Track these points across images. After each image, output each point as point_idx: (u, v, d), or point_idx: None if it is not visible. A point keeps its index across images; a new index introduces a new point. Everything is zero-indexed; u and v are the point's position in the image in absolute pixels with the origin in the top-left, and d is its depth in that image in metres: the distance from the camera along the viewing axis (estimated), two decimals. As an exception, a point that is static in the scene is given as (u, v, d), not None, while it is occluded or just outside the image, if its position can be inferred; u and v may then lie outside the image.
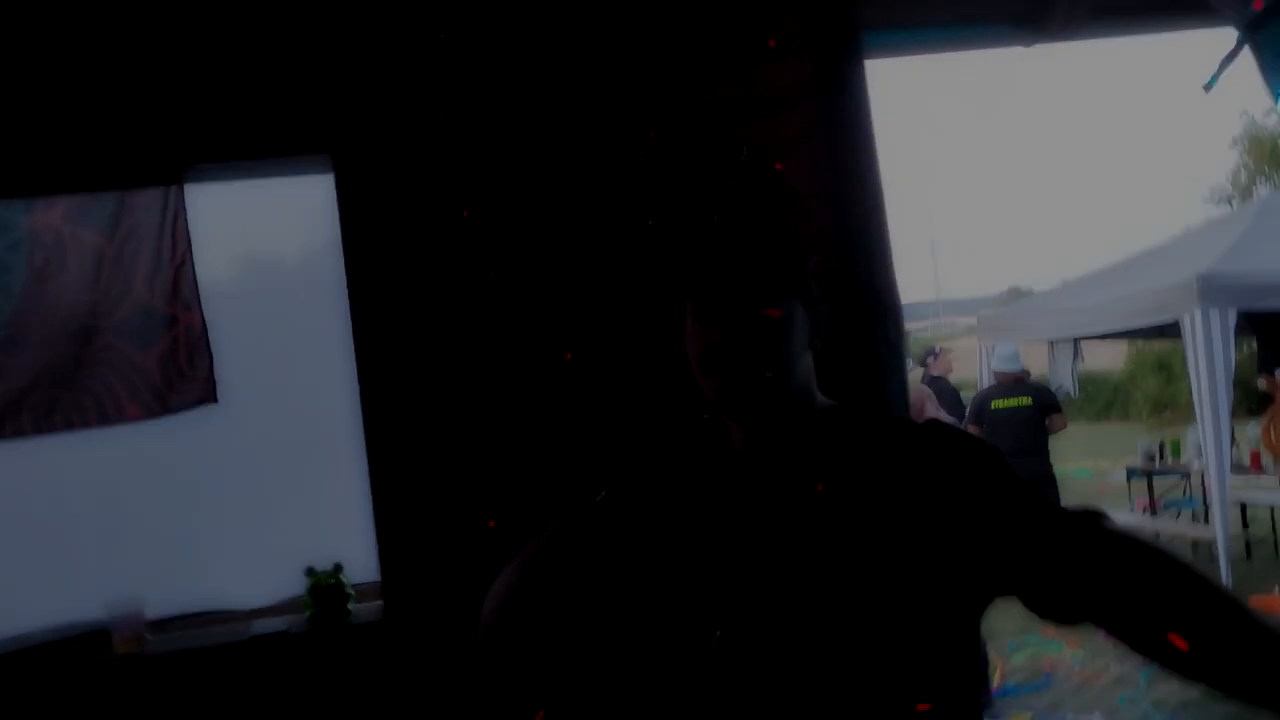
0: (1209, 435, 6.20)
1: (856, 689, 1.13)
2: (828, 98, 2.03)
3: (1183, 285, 6.25)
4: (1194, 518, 8.40)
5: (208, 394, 2.91)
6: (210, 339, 2.90)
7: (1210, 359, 6.09)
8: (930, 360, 9.00)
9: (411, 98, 2.65)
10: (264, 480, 2.92)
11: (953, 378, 9.11)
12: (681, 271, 1.24)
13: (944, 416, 5.66)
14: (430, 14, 2.64)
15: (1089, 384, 24.21)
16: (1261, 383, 7.52)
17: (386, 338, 2.66)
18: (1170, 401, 20.29)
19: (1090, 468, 13.70)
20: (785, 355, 1.19)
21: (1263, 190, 20.40)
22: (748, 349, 1.17)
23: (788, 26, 2.02)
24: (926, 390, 5.99)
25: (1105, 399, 24.05)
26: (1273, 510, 7.42)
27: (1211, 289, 6.05)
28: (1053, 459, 8.38)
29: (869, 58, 2.71)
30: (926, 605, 1.16)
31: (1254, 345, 8.84)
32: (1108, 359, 21.39)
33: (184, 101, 2.66)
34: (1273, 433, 7.12)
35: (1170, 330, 7.15)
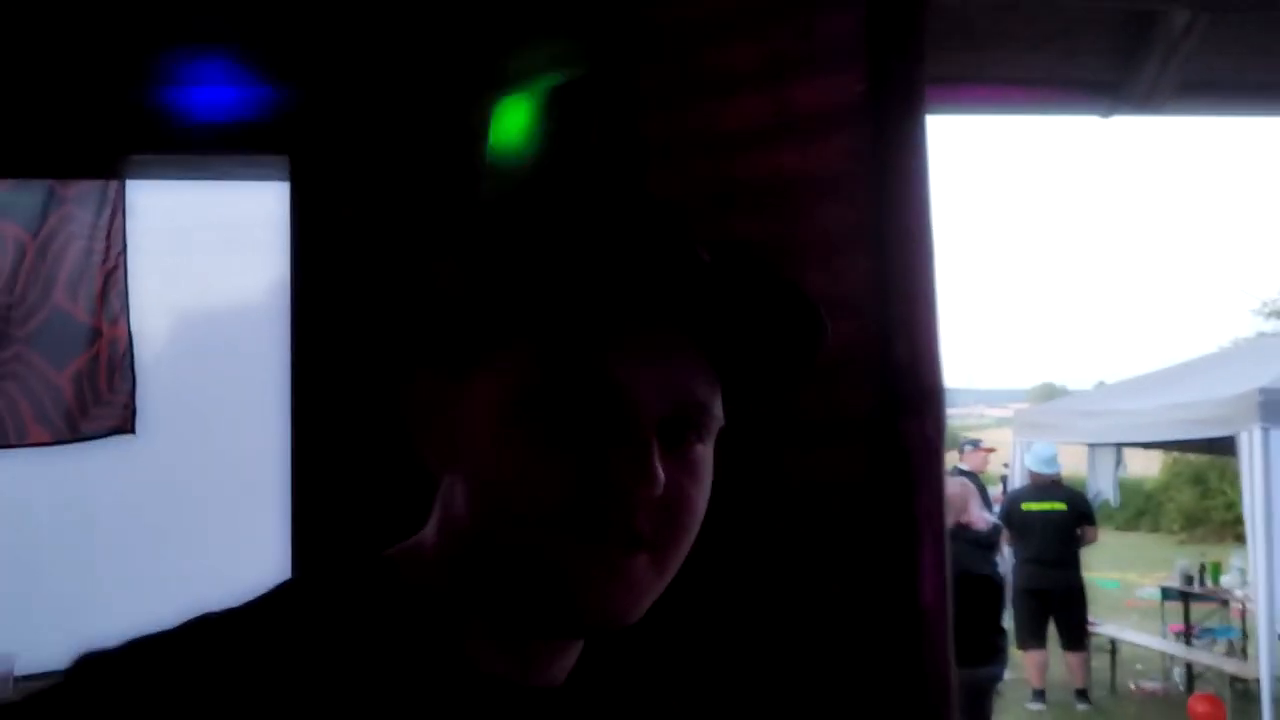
0: (1259, 561, 5.69)
1: None
2: (882, 123, 1.61)
3: (1243, 398, 5.79)
4: (1230, 648, 7.85)
5: (125, 423, 2.52)
6: (136, 360, 2.52)
7: (1267, 479, 5.61)
8: (967, 450, 8.54)
9: (385, 103, 2.29)
10: (177, 522, 2.52)
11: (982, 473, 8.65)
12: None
13: (979, 518, 5.18)
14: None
15: (1125, 491, 23.53)
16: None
17: (329, 367, 2.26)
18: (1204, 518, 19.72)
19: (1118, 579, 13.14)
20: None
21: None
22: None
23: (834, 26, 1.61)
24: (969, 485, 5.53)
25: (1136, 508, 23.38)
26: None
27: (1275, 404, 5.57)
28: (1086, 570, 7.90)
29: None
30: None
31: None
32: (1140, 466, 20.81)
33: (129, 83, 2.31)
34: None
35: (1219, 445, 6.68)
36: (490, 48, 2.14)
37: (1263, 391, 5.67)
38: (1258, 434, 5.64)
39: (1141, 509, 22.91)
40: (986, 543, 5.08)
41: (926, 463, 1.63)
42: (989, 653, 4.86)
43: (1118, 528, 22.89)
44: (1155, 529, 21.69)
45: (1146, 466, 21.32)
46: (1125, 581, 12.79)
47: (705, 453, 0.64)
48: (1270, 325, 18.26)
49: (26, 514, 2.48)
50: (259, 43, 2.33)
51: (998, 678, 5.33)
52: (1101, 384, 9.40)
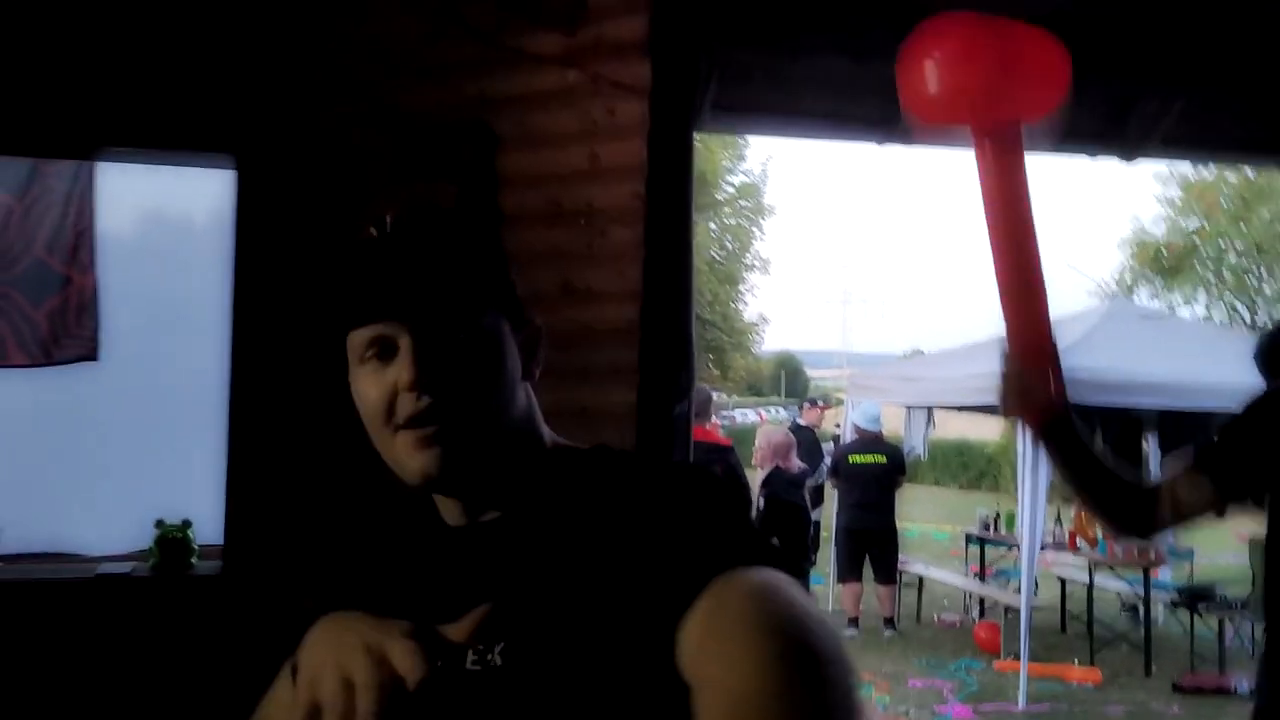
0: (1025, 512, 6.79)
1: None
2: (656, 174, 2.45)
3: (1022, 372, 6.85)
4: (1019, 588, 9.05)
5: (90, 351, 3.18)
6: (100, 302, 3.18)
7: (1037, 445, 6.68)
8: (806, 407, 9.58)
9: (321, 107, 2.97)
10: (128, 438, 3.19)
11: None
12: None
13: (795, 464, 6.14)
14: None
15: (965, 452, 25.32)
16: (1081, 470, 8.16)
17: (262, 328, 2.95)
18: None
19: (949, 531, 14.46)
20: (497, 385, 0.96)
21: (1143, 290, 21.74)
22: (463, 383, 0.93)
23: (628, 109, 2.43)
24: (790, 436, 6.49)
25: (979, 469, 25.15)
26: (1089, 588, 8.09)
27: (1045, 379, 6.65)
28: (901, 519, 9.01)
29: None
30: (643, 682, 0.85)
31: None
32: (986, 429, 22.44)
33: (102, 86, 2.93)
34: (1083, 516, 7.80)
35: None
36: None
37: (1036, 367, 6.74)
38: (1031, 402, 6.71)
39: (984, 470, 24.75)
40: (798, 482, 6.05)
41: (681, 421, 2.48)
42: (794, 574, 5.85)
43: (962, 486, 24.71)
44: (996, 489, 23.41)
45: (990, 430, 23.02)
46: (954, 533, 14.01)
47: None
48: (1102, 304, 19.95)
49: (7, 421, 3.12)
50: (214, 51, 2.98)
51: (802, 596, 6.35)
52: (924, 353, 10.47)
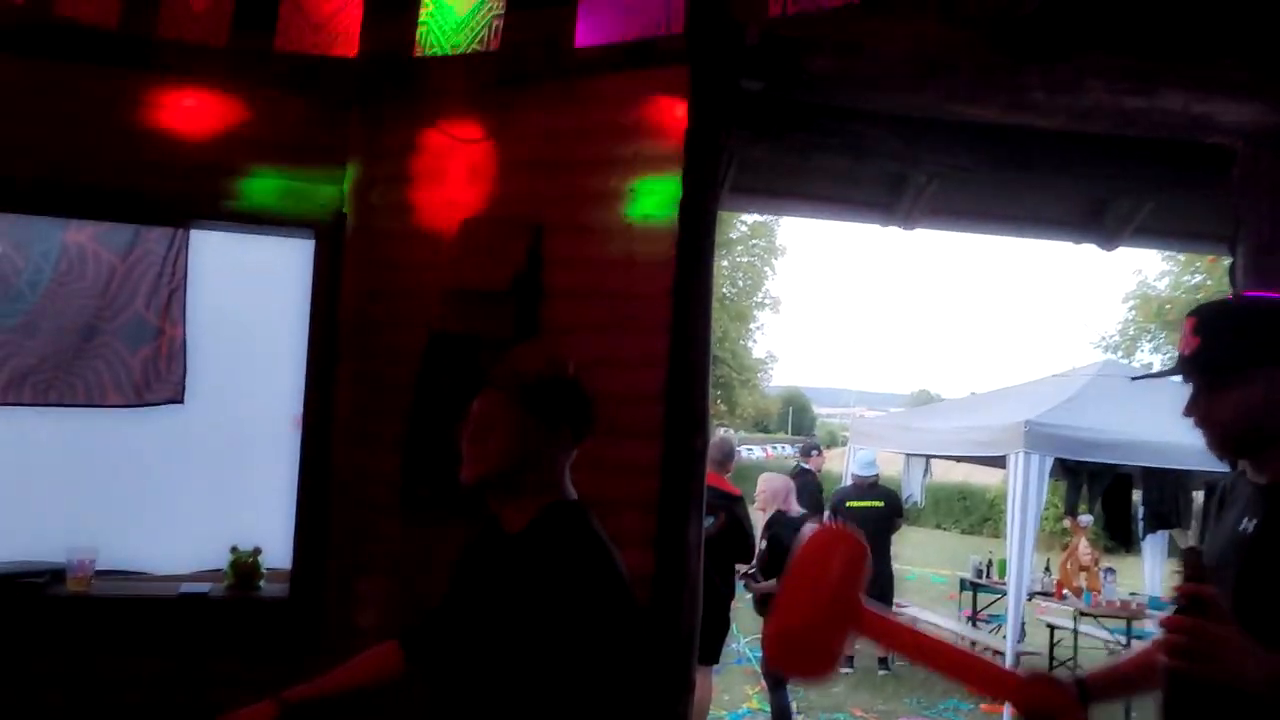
0: (1013, 560, 7.16)
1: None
2: (683, 271, 2.91)
3: (1013, 427, 7.24)
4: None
5: (177, 395, 3.62)
6: (188, 352, 3.62)
7: (1025, 495, 7.07)
8: (812, 455, 9.96)
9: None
10: (208, 472, 3.62)
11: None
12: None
13: (794, 508, 6.51)
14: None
15: (968, 496, 25.57)
16: (1066, 522, 8.58)
17: (331, 378, 3.38)
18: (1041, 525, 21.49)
19: (947, 575, 14.73)
20: (499, 456, 1.78)
21: (1146, 344, 22.09)
22: (478, 445, 1.79)
23: (655, 208, 2.94)
24: (789, 481, 6.85)
25: (981, 513, 25.37)
26: (1075, 634, 8.42)
27: (1035, 435, 7.04)
28: (901, 561, 9.35)
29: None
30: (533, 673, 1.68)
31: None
32: (991, 476, 22.74)
33: (199, 174, 3.37)
34: (1069, 565, 8.16)
35: (998, 461, 8.17)
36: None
37: (1027, 423, 7.13)
38: (1021, 457, 7.10)
39: (985, 515, 24.99)
40: (798, 525, 6.42)
41: (696, 462, 2.90)
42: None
43: (963, 531, 24.93)
44: (996, 534, 23.62)
45: (995, 477, 23.32)
46: (952, 577, 14.26)
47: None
48: (1105, 355, 20.38)
49: (103, 454, 3.55)
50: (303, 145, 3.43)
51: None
52: (925, 404, 10.87)
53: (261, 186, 3.38)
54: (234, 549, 3.45)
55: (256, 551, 3.46)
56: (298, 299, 3.43)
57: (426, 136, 3.27)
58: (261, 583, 3.44)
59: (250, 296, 3.61)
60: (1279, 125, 3.10)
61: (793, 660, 1.98)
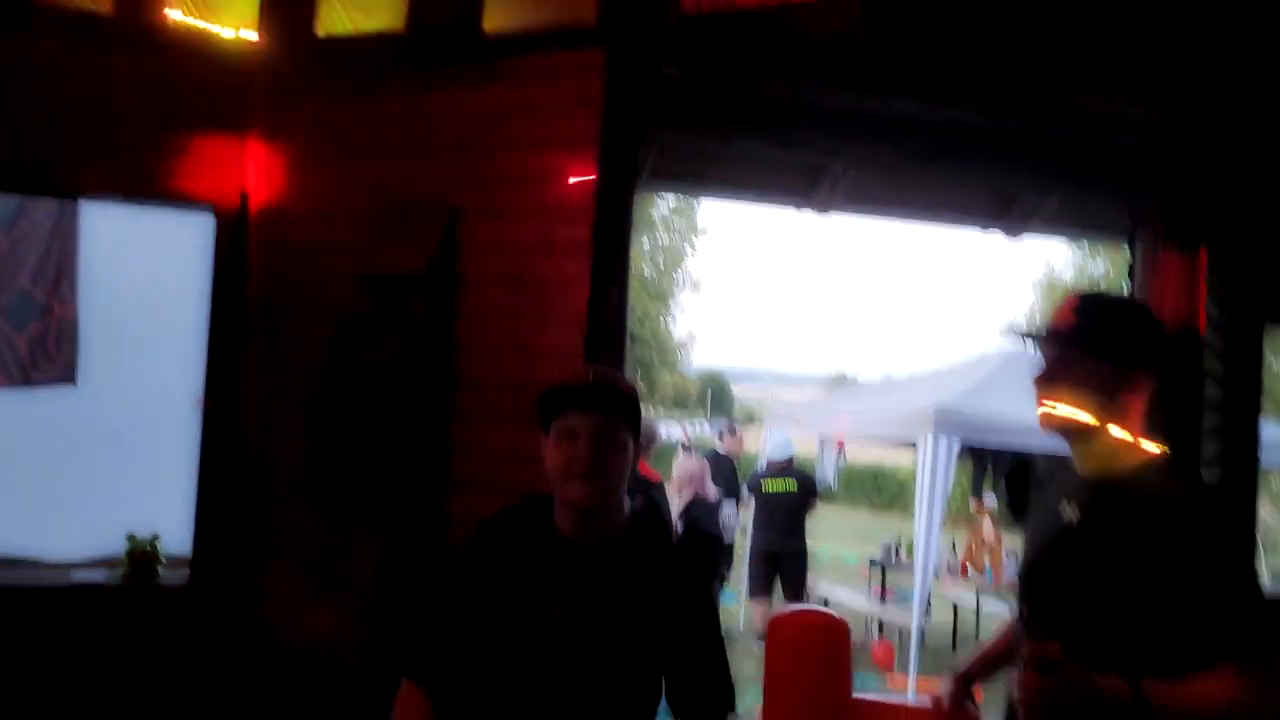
0: (920, 540, 7.31)
1: None
2: (600, 257, 2.89)
3: (922, 411, 7.39)
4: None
5: (68, 375, 3.46)
6: (79, 330, 3.46)
7: (933, 477, 7.22)
8: (724, 435, 10.02)
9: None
10: (102, 456, 3.48)
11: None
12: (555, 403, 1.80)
13: (710, 490, 6.57)
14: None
15: (880, 476, 26.12)
16: (971, 504, 8.83)
17: (232, 358, 3.27)
18: (948, 505, 22.07)
19: (859, 553, 15.03)
20: (621, 475, 1.78)
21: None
22: (606, 467, 1.74)
23: (573, 192, 2.91)
24: (705, 463, 6.89)
25: (892, 492, 25.97)
26: (977, 611, 8.68)
27: (943, 419, 7.19)
28: (815, 540, 9.49)
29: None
30: (641, 676, 1.80)
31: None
32: (904, 457, 23.24)
33: (89, 144, 3.22)
34: (974, 545, 8.39)
35: (910, 444, 8.34)
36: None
37: (936, 408, 7.28)
38: (930, 440, 7.24)
39: (896, 494, 25.59)
40: (713, 509, 6.48)
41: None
42: (709, 593, 6.26)
43: (876, 509, 25.49)
44: (907, 512, 24.17)
45: (907, 457, 23.84)
46: (864, 554, 14.54)
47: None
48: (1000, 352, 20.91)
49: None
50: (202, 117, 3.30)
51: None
52: (842, 388, 11.05)
53: (157, 160, 3.24)
54: (130, 536, 3.33)
55: (154, 538, 3.34)
56: (199, 278, 3.31)
57: (335, 115, 3.17)
58: (160, 570, 3.33)
59: (148, 274, 3.47)
60: (1176, 128, 3.19)
61: None
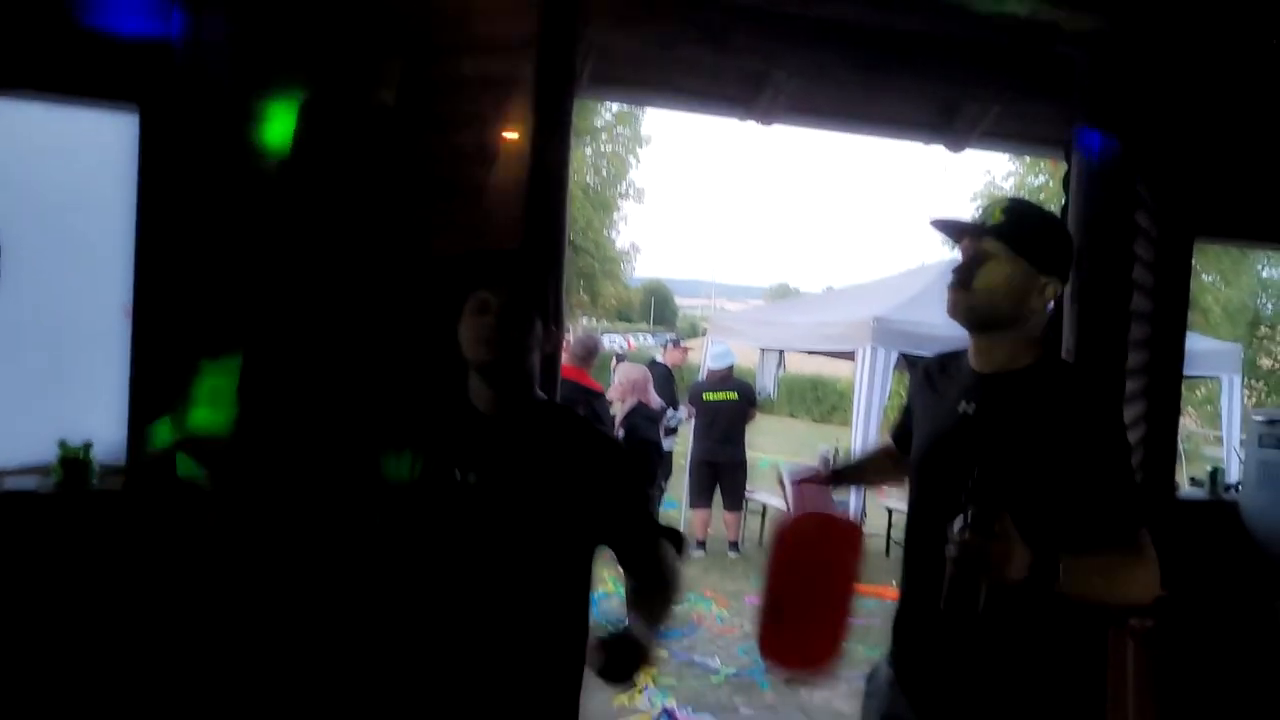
0: (857, 447, 7.50)
1: (509, 589, 1.89)
2: (537, 163, 2.84)
3: (862, 323, 7.50)
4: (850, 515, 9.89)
5: (-12, 280, 3.35)
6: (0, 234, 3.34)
7: (871, 387, 7.38)
8: (667, 348, 10.10)
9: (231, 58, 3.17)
10: (30, 364, 3.40)
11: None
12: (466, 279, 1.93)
13: (653, 399, 6.63)
14: None
15: (819, 387, 26.52)
16: (909, 412, 8.97)
17: (164, 259, 3.16)
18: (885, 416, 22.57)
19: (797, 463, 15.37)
20: (528, 349, 1.92)
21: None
22: (514, 338, 1.88)
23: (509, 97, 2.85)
24: (648, 373, 6.95)
25: (831, 403, 26.42)
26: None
27: (882, 330, 7.31)
28: (754, 450, 9.67)
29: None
30: (557, 545, 1.92)
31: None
32: (842, 368, 23.63)
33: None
34: (909, 454, 8.60)
35: (848, 355, 8.49)
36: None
37: (876, 319, 7.40)
38: (869, 351, 7.38)
39: (835, 405, 26.07)
40: (654, 417, 6.55)
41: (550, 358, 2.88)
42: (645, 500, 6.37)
43: (815, 420, 25.96)
44: (846, 422, 24.72)
45: (846, 369, 24.26)
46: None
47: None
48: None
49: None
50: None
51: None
52: (779, 300, 11.13)
53: (71, 50, 3.08)
54: (62, 443, 3.27)
55: (87, 445, 3.29)
56: (126, 178, 3.19)
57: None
58: (94, 479, 3.29)
59: (70, 174, 3.34)
60: (1115, 39, 3.21)
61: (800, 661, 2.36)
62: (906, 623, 2.12)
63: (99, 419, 3.29)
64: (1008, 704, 1.93)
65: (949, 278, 2.00)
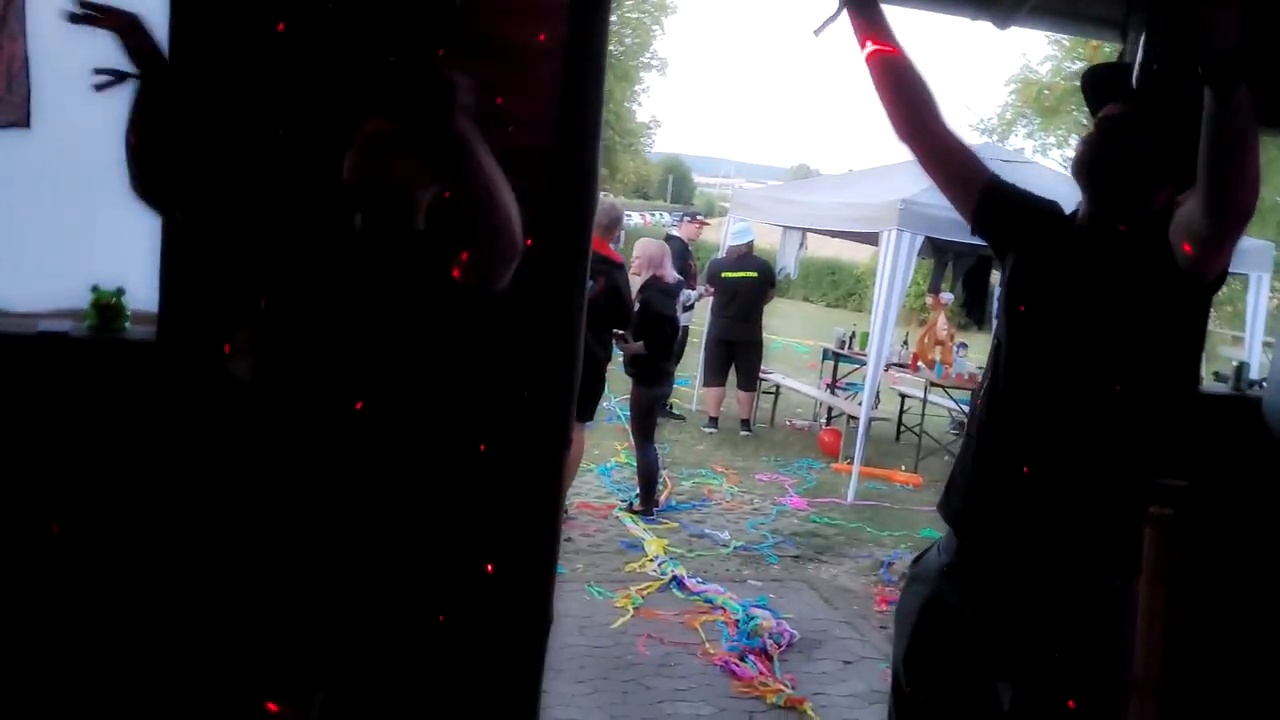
0: (875, 332, 7.48)
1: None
2: (576, 25, 2.76)
3: (889, 205, 7.39)
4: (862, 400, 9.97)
5: (21, 119, 3.30)
6: (31, 70, 3.28)
7: (894, 271, 7.32)
8: (684, 221, 10.01)
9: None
10: (64, 206, 3.37)
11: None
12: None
13: (670, 274, 6.59)
14: None
15: (836, 271, 26.38)
16: (927, 299, 8.99)
17: (197, 98, 3.11)
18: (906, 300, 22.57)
19: (810, 346, 15.41)
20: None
21: (1020, 129, 22.54)
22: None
23: None
24: (665, 246, 6.88)
25: (847, 288, 26.34)
26: (924, 404, 9.01)
27: (908, 213, 7.21)
28: (769, 331, 9.69)
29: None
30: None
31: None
32: (860, 253, 23.44)
33: None
34: (926, 340, 8.61)
35: (872, 238, 8.39)
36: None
37: (903, 201, 7.28)
38: (894, 234, 7.29)
39: (851, 290, 26.00)
40: (671, 292, 6.53)
41: (583, 224, 2.85)
42: (660, 376, 6.41)
43: (829, 304, 25.93)
44: (860, 308, 24.71)
45: (862, 253, 24.06)
46: (815, 348, 14.94)
47: None
48: (983, 139, 20.65)
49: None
50: None
51: (665, 396, 6.94)
52: (806, 178, 10.98)
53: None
54: (95, 288, 3.29)
55: (120, 291, 3.31)
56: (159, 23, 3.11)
57: None
58: (126, 325, 3.31)
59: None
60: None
61: None
62: (978, 489, 2.04)
63: (132, 265, 3.29)
64: (1064, 581, 1.93)
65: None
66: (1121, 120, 1.91)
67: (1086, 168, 1.95)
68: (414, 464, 2.04)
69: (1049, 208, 2.09)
